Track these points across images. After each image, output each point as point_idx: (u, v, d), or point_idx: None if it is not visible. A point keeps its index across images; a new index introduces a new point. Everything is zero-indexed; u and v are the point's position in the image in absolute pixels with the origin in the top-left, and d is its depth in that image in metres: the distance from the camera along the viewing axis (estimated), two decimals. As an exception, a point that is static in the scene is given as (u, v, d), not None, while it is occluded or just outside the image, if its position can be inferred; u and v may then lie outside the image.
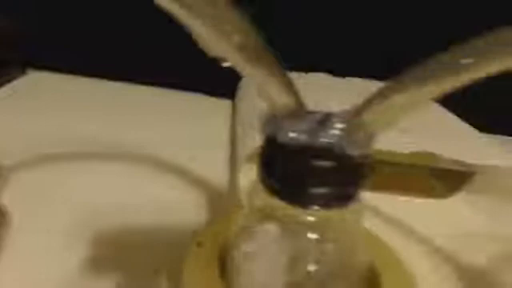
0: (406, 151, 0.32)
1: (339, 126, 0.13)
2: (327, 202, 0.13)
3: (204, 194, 0.33)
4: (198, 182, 0.34)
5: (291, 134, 0.13)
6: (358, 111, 0.13)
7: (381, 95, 0.12)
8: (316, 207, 0.13)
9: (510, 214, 0.35)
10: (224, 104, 0.49)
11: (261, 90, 0.13)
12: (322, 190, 0.13)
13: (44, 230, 0.26)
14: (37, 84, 0.48)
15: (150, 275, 0.23)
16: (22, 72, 0.48)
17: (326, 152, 0.12)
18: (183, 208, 0.29)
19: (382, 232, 0.20)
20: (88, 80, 0.50)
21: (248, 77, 0.12)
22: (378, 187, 0.36)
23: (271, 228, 0.15)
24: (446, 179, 0.37)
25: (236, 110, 0.45)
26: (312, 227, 0.14)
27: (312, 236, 0.14)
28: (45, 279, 0.22)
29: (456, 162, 0.34)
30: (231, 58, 0.12)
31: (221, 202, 0.31)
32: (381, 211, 0.34)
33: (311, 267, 0.15)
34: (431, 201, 0.37)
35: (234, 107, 0.47)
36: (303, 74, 0.43)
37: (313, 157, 0.12)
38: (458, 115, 0.42)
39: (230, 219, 0.18)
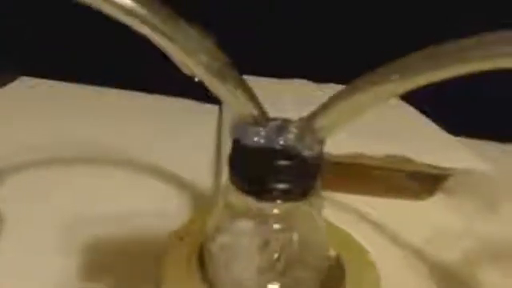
0: (381, 154, 0.34)
1: (294, 131, 0.15)
2: (287, 196, 0.15)
3: (190, 197, 0.34)
4: (183, 186, 0.35)
5: (254, 138, 0.15)
6: (312, 117, 0.16)
7: (331, 103, 0.15)
8: (278, 201, 0.16)
9: (483, 214, 0.37)
10: (212, 109, 0.51)
11: (227, 102, 0.15)
12: (282, 186, 0.15)
13: (36, 233, 0.27)
14: (29, 89, 0.49)
15: (139, 280, 0.24)
16: (14, 78, 0.50)
17: (283, 153, 0.15)
18: (168, 212, 0.30)
19: (358, 232, 0.22)
20: (78, 86, 0.52)
21: (214, 91, 0.15)
22: (353, 189, 0.38)
23: (242, 222, 0.18)
24: (421, 181, 0.39)
25: (222, 115, 0.47)
26: (276, 219, 0.16)
27: (276, 226, 0.16)
28: (37, 282, 0.23)
29: (430, 166, 0.36)
30: (199, 75, 0.15)
31: (206, 204, 0.33)
32: (357, 212, 0.36)
33: (276, 254, 0.17)
34: (407, 202, 0.39)
35: (221, 112, 0.49)
36: (283, 80, 0.46)
37: (272, 158, 0.15)
38: (434, 120, 0.44)
39: (209, 216, 0.20)
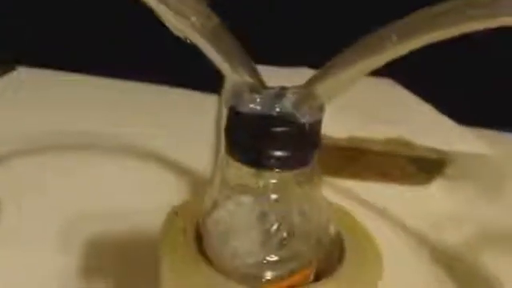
0: (381, 137, 0.34)
1: (292, 97, 0.15)
2: (285, 165, 0.15)
3: (189, 184, 0.34)
4: (183, 174, 0.35)
5: (250, 105, 0.15)
6: (309, 85, 0.15)
7: (330, 67, 0.15)
8: (276, 170, 0.15)
9: (484, 198, 0.37)
10: (211, 99, 0.51)
11: (220, 66, 0.15)
12: (279, 154, 0.15)
13: (33, 228, 0.26)
14: (26, 79, 0.50)
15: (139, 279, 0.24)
16: (12, 68, 0.50)
17: (280, 120, 0.15)
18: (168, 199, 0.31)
19: (358, 218, 0.22)
20: (76, 76, 0.52)
21: (208, 55, 0.14)
22: (353, 174, 0.38)
23: (239, 195, 0.17)
24: (422, 167, 0.39)
25: (221, 104, 0.47)
26: (274, 189, 0.16)
27: (274, 197, 0.16)
28: (35, 279, 0.23)
29: (430, 149, 0.36)
30: (192, 37, 0.14)
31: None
32: (357, 197, 0.36)
33: (274, 226, 0.17)
34: (407, 188, 0.39)
35: (220, 101, 0.49)
36: (285, 69, 0.46)
37: (269, 124, 0.15)
38: (436, 107, 0.44)
39: (206, 193, 0.20)
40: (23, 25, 0.50)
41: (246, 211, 0.18)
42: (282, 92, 0.15)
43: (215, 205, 0.19)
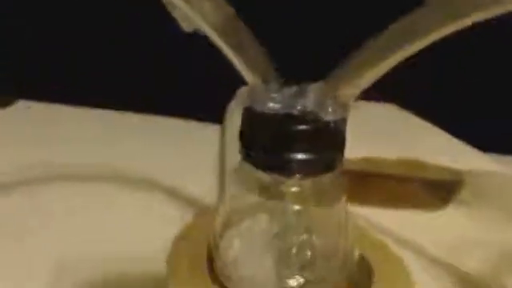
0: (393, 158, 0.32)
1: (314, 95, 0.13)
2: (308, 169, 0.13)
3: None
4: (187, 204, 0.34)
5: (269, 104, 0.13)
6: (332, 81, 0.14)
7: (350, 63, 0.13)
8: (297, 175, 0.13)
9: (504, 219, 0.35)
10: (213, 129, 0.50)
11: (235, 62, 0.14)
12: (300, 157, 0.13)
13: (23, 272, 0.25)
14: (27, 112, 0.48)
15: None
16: (13, 101, 0.49)
17: (301, 119, 0.13)
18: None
19: None
20: (77, 109, 0.51)
21: (222, 48, 0.13)
22: (368, 202, 0.36)
23: (253, 216, 0.15)
24: (436, 191, 0.38)
25: (224, 133, 0.46)
26: (295, 199, 0.14)
27: (295, 208, 0.14)
28: None
29: (444, 169, 0.34)
30: (203, 29, 0.13)
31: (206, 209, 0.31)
32: (373, 224, 0.34)
33: (293, 249, 0.15)
34: (423, 212, 0.37)
35: (222, 130, 0.47)
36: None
37: (290, 124, 0.13)
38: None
39: (215, 212, 0.18)
40: (25, 58, 0.49)
41: (261, 232, 0.16)
42: (302, 89, 0.14)
43: (226, 227, 0.17)
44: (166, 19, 0.13)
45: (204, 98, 0.49)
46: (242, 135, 0.14)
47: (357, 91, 0.13)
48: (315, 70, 0.14)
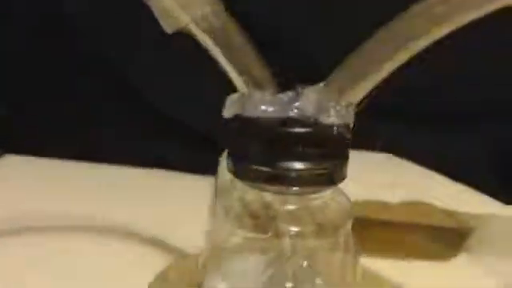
0: (394, 201, 0.30)
1: (313, 96, 0.12)
2: (307, 181, 0.11)
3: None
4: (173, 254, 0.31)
5: (261, 108, 0.12)
6: (333, 81, 0.12)
7: (352, 60, 0.12)
8: (294, 188, 0.11)
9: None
10: (206, 180, 0.48)
11: (227, 68, 0.12)
12: (298, 166, 0.11)
13: None
14: (13, 167, 0.47)
15: None
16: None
17: (299, 122, 0.11)
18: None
19: None
20: (64, 163, 0.49)
21: (209, 48, 0.12)
22: (370, 251, 0.33)
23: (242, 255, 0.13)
24: (443, 239, 0.35)
25: (216, 184, 0.44)
26: (291, 219, 0.12)
27: (292, 230, 0.12)
28: None
29: (450, 214, 0.32)
30: (194, 30, 0.12)
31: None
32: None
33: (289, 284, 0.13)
34: (430, 263, 0.34)
35: (215, 181, 0.46)
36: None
37: (286, 128, 0.11)
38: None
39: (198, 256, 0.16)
40: (11, 113, 0.49)
41: (251, 274, 0.13)
42: (300, 92, 0.12)
43: (212, 268, 0.14)
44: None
45: (197, 150, 0.48)
46: (232, 148, 0.13)
47: (361, 94, 0.12)
48: (315, 73, 0.12)
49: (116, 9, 0.44)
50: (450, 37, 0.12)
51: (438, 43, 0.12)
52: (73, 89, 0.49)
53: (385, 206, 0.31)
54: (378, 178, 0.38)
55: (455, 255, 0.34)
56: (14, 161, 0.49)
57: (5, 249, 0.30)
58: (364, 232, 0.34)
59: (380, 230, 0.33)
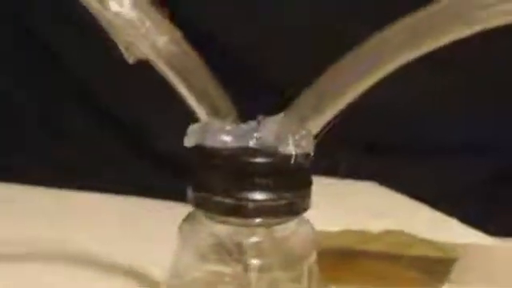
0: (376, 231, 0.30)
1: (273, 126, 0.12)
2: (267, 212, 0.11)
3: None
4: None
5: (222, 137, 0.12)
6: (294, 110, 0.12)
7: (314, 88, 0.12)
8: (256, 219, 0.11)
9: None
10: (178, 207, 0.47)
11: (186, 97, 0.12)
12: (258, 196, 0.11)
13: None
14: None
15: None
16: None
17: (258, 152, 0.11)
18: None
19: None
20: (39, 189, 0.48)
21: (169, 78, 0.12)
22: (352, 283, 0.33)
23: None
24: (428, 269, 0.35)
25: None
26: (255, 252, 0.12)
27: (254, 262, 0.12)
28: None
29: (433, 244, 0.32)
30: (154, 60, 0.12)
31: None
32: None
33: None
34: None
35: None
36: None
37: (247, 159, 0.11)
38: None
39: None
40: None
41: None
42: (260, 122, 0.12)
43: None
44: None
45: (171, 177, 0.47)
46: (193, 178, 0.12)
47: (321, 123, 0.12)
48: (278, 102, 0.12)
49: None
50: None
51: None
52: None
53: (367, 235, 0.31)
54: (361, 207, 0.38)
55: (440, 286, 0.34)
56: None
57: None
58: (347, 263, 0.34)
59: (363, 261, 0.33)
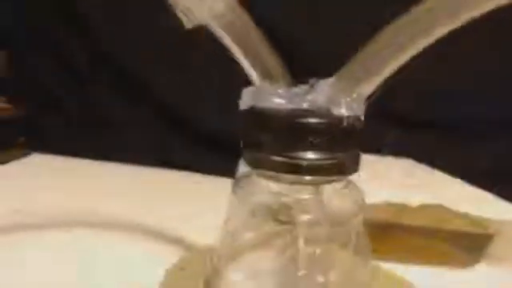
0: (414, 205, 0.30)
1: (325, 89, 0.12)
2: (319, 170, 0.12)
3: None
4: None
5: (275, 100, 0.12)
6: (343, 76, 0.13)
7: (363, 55, 0.12)
8: (307, 177, 0.12)
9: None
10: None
11: (243, 64, 0.13)
12: (311, 155, 0.12)
13: None
14: (39, 165, 0.49)
15: None
16: (26, 154, 0.50)
17: (311, 113, 0.12)
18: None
19: None
20: (87, 162, 0.51)
21: (225, 42, 0.12)
22: (391, 256, 0.33)
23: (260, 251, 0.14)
24: (465, 244, 0.35)
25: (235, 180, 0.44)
26: (305, 208, 0.13)
27: (304, 218, 0.12)
28: None
29: (471, 219, 0.32)
30: (213, 27, 0.12)
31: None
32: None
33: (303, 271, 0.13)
34: (452, 270, 0.34)
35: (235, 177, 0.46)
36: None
37: (297, 118, 0.12)
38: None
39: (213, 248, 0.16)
40: (37, 115, 0.51)
41: (266, 267, 0.14)
42: (313, 86, 0.13)
43: (228, 260, 0.15)
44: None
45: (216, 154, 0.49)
46: (247, 139, 0.13)
47: (372, 86, 0.12)
48: (327, 68, 0.13)
49: (128, 8, 0.46)
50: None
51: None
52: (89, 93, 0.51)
53: (405, 208, 0.31)
54: (400, 181, 0.38)
55: (477, 261, 0.34)
56: (39, 159, 0.51)
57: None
58: (385, 236, 0.34)
59: (401, 234, 0.33)
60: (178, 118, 0.50)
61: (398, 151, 0.47)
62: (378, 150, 0.46)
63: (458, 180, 0.40)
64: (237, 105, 0.13)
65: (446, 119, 0.49)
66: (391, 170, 0.42)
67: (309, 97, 0.12)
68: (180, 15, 0.12)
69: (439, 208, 0.31)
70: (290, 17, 0.44)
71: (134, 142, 0.51)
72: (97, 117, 0.51)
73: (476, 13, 0.11)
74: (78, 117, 0.52)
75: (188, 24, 0.13)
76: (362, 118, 0.12)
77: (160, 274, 0.21)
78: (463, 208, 0.33)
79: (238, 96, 0.13)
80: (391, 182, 0.36)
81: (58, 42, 0.50)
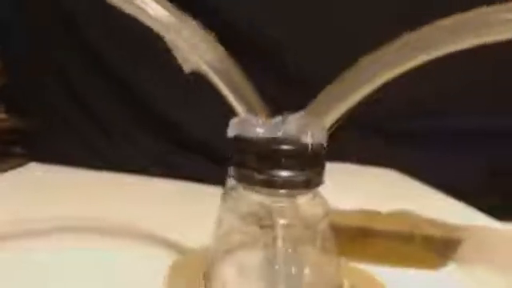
0: (384, 212, 0.33)
1: (295, 122, 0.16)
2: (291, 185, 0.16)
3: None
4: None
5: (256, 130, 0.16)
6: (311, 110, 0.16)
7: (329, 90, 0.16)
8: (282, 190, 0.16)
9: (505, 277, 0.35)
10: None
11: (228, 97, 0.16)
12: (285, 174, 0.15)
13: None
14: (37, 174, 0.51)
15: None
16: (24, 163, 0.52)
17: (284, 141, 0.16)
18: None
19: None
20: (84, 172, 0.53)
21: (216, 83, 0.16)
22: (366, 258, 0.36)
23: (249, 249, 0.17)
24: (435, 248, 0.38)
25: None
26: (282, 213, 0.16)
27: (282, 222, 0.16)
28: None
29: (439, 225, 0.35)
30: (201, 67, 0.16)
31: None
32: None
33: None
34: (421, 271, 0.37)
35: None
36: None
37: (274, 145, 0.16)
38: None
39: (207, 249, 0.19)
40: (38, 125, 0.53)
41: (254, 262, 0.17)
42: (286, 118, 0.16)
43: (221, 257, 0.18)
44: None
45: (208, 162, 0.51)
46: (235, 159, 0.17)
47: (333, 119, 0.16)
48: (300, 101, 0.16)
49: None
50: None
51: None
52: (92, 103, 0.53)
53: (378, 215, 0.34)
54: (378, 191, 0.41)
55: (446, 264, 0.37)
56: (37, 168, 0.53)
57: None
58: (359, 240, 0.37)
59: (374, 239, 0.36)
60: (168, 123, 0.52)
61: (381, 162, 0.50)
62: (360, 160, 0.49)
63: (435, 190, 0.43)
64: (225, 112, 0.16)
65: (427, 131, 0.52)
66: (371, 179, 0.45)
67: (282, 127, 0.16)
68: (180, 62, 0.16)
69: (411, 214, 0.34)
70: (278, 22, 0.46)
71: (129, 150, 0.53)
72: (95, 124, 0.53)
73: (449, 50, 0.15)
74: (76, 124, 0.54)
75: (186, 69, 0.16)
76: (325, 144, 0.16)
77: (160, 274, 0.24)
78: (434, 215, 0.36)
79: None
80: (369, 190, 0.39)
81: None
